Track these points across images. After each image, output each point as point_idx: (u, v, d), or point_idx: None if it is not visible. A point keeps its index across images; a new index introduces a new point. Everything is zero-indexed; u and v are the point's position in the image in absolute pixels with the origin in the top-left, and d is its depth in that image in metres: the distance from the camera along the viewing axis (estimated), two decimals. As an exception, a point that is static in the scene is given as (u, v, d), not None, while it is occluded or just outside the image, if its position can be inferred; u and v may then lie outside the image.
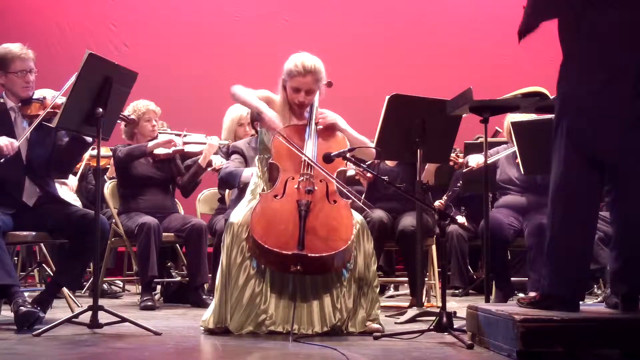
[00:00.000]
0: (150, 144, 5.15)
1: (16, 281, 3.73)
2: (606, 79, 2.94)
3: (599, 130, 2.97)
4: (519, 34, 3.09)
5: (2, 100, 3.90)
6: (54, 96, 3.83)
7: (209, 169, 5.47)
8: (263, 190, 3.67)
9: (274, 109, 3.75)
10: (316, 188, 3.56)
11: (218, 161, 5.39)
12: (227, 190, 5.44)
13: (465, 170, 5.08)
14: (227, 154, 5.32)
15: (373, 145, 4.05)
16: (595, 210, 3.08)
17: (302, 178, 3.58)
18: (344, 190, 3.61)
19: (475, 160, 5.02)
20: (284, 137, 3.59)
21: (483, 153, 4.02)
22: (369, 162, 4.69)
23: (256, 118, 3.67)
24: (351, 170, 5.32)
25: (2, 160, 3.71)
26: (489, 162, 5.05)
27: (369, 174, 4.84)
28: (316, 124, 3.75)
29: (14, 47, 3.93)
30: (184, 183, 5.39)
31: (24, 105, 3.90)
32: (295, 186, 3.57)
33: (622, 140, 2.96)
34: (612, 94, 2.94)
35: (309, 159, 3.59)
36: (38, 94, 3.94)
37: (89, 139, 3.92)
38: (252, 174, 3.90)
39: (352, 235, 3.49)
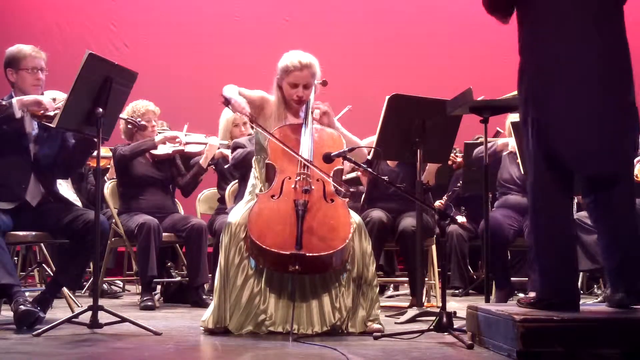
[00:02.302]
0: (158, 138, 5.16)
1: (17, 281, 3.73)
2: (572, 74, 2.94)
3: (571, 132, 2.96)
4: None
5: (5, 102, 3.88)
6: (65, 98, 3.81)
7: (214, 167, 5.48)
8: (260, 190, 3.67)
9: (269, 108, 3.75)
10: (313, 187, 3.56)
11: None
12: (227, 190, 5.44)
13: (506, 152, 5.11)
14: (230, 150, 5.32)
15: (364, 144, 4.05)
16: (572, 212, 3.12)
17: (298, 178, 3.58)
18: (338, 187, 3.61)
19: (513, 142, 5.07)
20: (277, 139, 3.59)
21: (483, 153, 4.02)
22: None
23: (226, 105, 3.68)
24: (353, 173, 5.34)
25: (45, 112, 3.71)
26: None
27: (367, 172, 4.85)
28: (312, 112, 3.75)
29: (26, 47, 3.96)
30: (185, 183, 5.40)
31: None
32: (292, 186, 3.56)
33: (599, 142, 2.96)
34: (582, 94, 2.94)
35: (303, 158, 3.59)
36: (47, 94, 3.94)
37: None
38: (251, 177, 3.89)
39: (350, 234, 3.49)
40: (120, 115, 4.87)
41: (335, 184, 3.61)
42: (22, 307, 3.55)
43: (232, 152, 5.18)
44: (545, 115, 2.96)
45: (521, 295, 5.42)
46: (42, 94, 3.93)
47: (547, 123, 2.96)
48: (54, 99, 3.89)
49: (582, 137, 2.96)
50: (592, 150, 2.97)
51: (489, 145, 5.08)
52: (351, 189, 5.66)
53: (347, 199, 3.65)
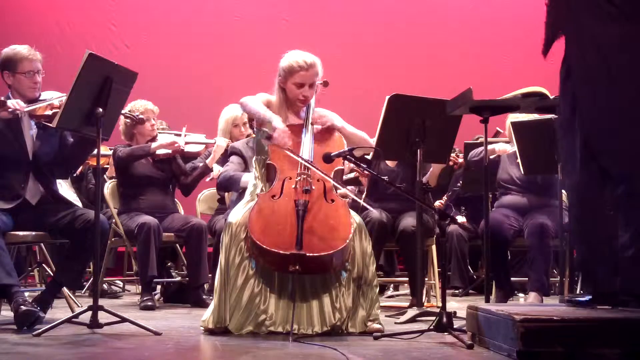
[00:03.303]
0: (154, 144, 5.14)
1: (16, 281, 3.73)
2: (603, 74, 2.94)
3: (617, 133, 2.96)
4: (543, 51, 3.11)
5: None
6: (61, 97, 3.83)
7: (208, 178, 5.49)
8: (261, 190, 3.67)
9: (272, 110, 3.75)
10: (314, 187, 3.56)
11: (216, 170, 5.39)
12: (227, 191, 5.44)
13: (493, 156, 5.10)
14: (226, 154, 5.32)
15: (371, 140, 4.05)
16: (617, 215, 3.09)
17: (299, 178, 3.58)
18: (343, 189, 3.61)
19: (501, 147, 5.08)
20: (290, 150, 3.58)
21: (476, 157, 4.02)
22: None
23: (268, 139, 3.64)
24: (351, 173, 5.34)
25: (10, 110, 3.74)
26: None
27: (367, 172, 4.85)
28: (312, 124, 3.75)
29: (22, 49, 3.95)
30: (189, 183, 5.39)
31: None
32: (293, 186, 3.57)
33: (621, 140, 2.96)
34: (614, 94, 2.94)
35: (307, 162, 3.58)
36: (44, 95, 3.95)
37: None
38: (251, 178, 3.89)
39: (350, 234, 3.49)
40: None
41: (338, 185, 3.61)
42: (22, 307, 3.55)
43: (228, 157, 5.17)
44: (585, 113, 2.96)
45: (521, 295, 5.43)
46: (39, 95, 3.94)
47: (587, 121, 2.96)
48: (50, 98, 3.90)
49: (610, 135, 2.95)
50: (616, 148, 2.97)
51: (477, 151, 5.10)
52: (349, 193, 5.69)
53: (347, 199, 3.65)
